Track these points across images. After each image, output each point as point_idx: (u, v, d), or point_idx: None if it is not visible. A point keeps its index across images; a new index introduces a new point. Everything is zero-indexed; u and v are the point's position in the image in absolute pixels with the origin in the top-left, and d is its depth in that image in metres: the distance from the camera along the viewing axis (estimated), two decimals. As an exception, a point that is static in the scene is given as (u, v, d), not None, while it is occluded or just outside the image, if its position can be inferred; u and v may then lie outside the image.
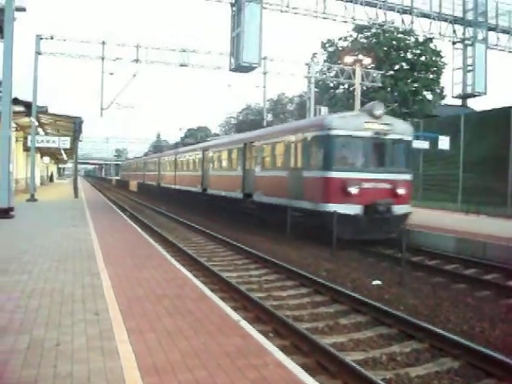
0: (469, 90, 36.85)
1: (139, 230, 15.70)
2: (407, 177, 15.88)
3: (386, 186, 15.12)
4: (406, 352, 6.53)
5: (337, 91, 47.10)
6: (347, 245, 14.09)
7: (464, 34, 33.97)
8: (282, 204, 16.94)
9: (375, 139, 15.17)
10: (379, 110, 15.40)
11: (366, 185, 14.77)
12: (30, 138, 29.38)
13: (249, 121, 78.71)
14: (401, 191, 15.22)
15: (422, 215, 18.55)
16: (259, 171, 19.57)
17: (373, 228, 14.48)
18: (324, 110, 30.09)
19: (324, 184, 14.90)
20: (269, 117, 69.61)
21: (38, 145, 29.20)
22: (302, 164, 16.37)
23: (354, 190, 14.48)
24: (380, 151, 15.50)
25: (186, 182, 30.86)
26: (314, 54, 47.96)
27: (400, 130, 15.79)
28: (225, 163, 24.30)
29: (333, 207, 14.09)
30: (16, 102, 23.87)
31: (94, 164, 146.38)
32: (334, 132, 14.83)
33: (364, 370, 5.49)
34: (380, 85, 33.71)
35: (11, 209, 18.22)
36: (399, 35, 39.91)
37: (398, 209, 14.96)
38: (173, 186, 34.10)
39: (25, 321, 5.80)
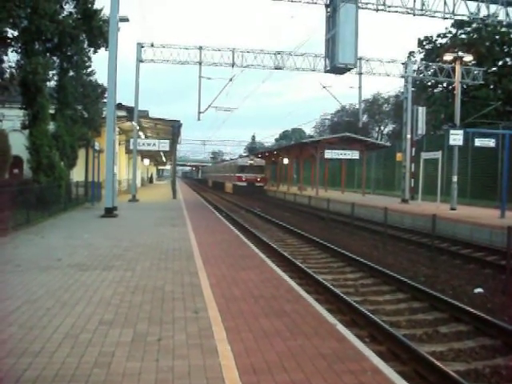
0: None
1: (235, 230, 16.02)
2: (261, 175, 53.77)
3: (253, 178, 52.43)
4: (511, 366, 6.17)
5: (435, 90, 45.47)
6: (443, 252, 14.73)
7: None
8: (233, 183, 55.23)
9: (250, 165, 53.38)
10: (251, 157, 58.55)
11: (248, 177, 52.26)
12: (131, 141, 30.82)
13: (344, 122, 77.55)
14: (258, 179, 52.93)
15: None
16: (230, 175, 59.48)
17: (249, 190, 50.60)
18: (421, 110, 29.03)
19: (237, 177, 53.11)
20: (364, 118, 68.27)
21: (139, 148, 30.56)
22: (233, 172, 55.46)
23: (243, 178, 52.36)
24: (251, 168, 52.98)
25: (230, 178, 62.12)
26: (411, 53, 46.50)
27: (258, 162, 55.43)
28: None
29: (239, 183, 52.80)
30: (119, 107, 25.20)
31: (191, 166, 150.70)
32: (239, 163, 55.52)
33: (466, 383, 5.25)
34: (482, 82, 32.02)
35: (115, 208, 19.27)
36: (503, 29, 37.70)
37: (258, 184, 52.87)
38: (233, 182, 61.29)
39: (129, 315, 6.09)
